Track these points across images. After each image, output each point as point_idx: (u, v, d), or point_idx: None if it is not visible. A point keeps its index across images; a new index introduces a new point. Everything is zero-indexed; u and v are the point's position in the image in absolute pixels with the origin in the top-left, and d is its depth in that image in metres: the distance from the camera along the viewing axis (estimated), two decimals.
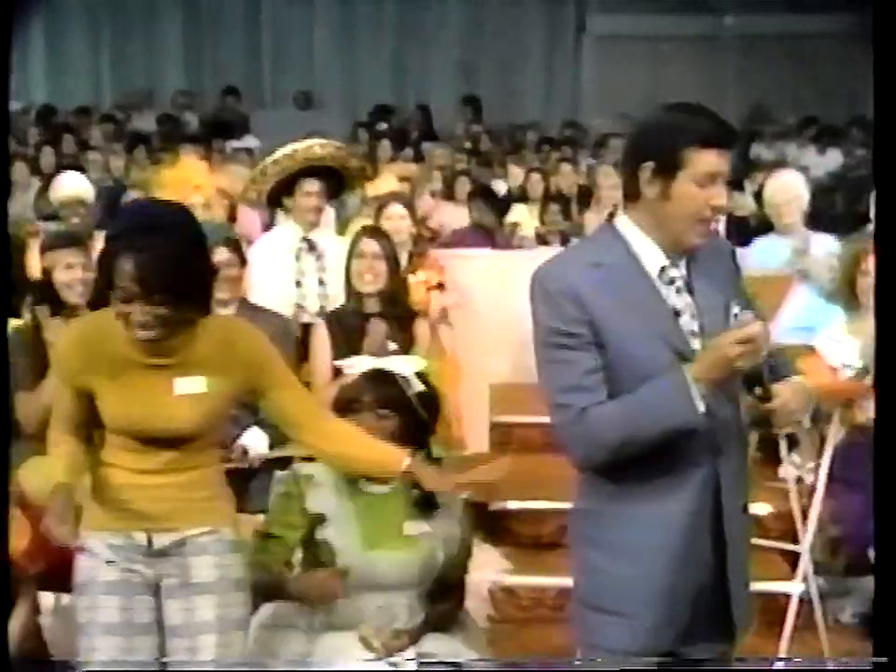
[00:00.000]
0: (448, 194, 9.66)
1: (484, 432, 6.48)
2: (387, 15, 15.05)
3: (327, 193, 5.86)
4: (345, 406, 3.51)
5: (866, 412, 4.69)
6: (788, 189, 6.59)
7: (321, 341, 4.85)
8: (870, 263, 4.93)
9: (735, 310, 2.64)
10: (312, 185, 5.71)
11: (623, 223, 2.67)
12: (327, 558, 3.36)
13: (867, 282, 4.93)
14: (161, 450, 2.95)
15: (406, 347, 4.77)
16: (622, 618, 2.66)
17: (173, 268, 2.73)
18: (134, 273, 2.71)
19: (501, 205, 9.59)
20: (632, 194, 2.64)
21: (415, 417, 3.57)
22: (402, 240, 6.06)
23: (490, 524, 5.15)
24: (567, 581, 4.72)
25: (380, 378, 3.58)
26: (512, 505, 5.51)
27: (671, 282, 2.65)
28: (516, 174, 10.44)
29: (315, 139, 6.01)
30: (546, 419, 6.08)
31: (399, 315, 4.90)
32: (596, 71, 14.28)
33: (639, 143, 2.66)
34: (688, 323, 2.65)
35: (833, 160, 11.98)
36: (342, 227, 9.07)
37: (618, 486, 2.66)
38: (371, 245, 4.82)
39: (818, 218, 7.00)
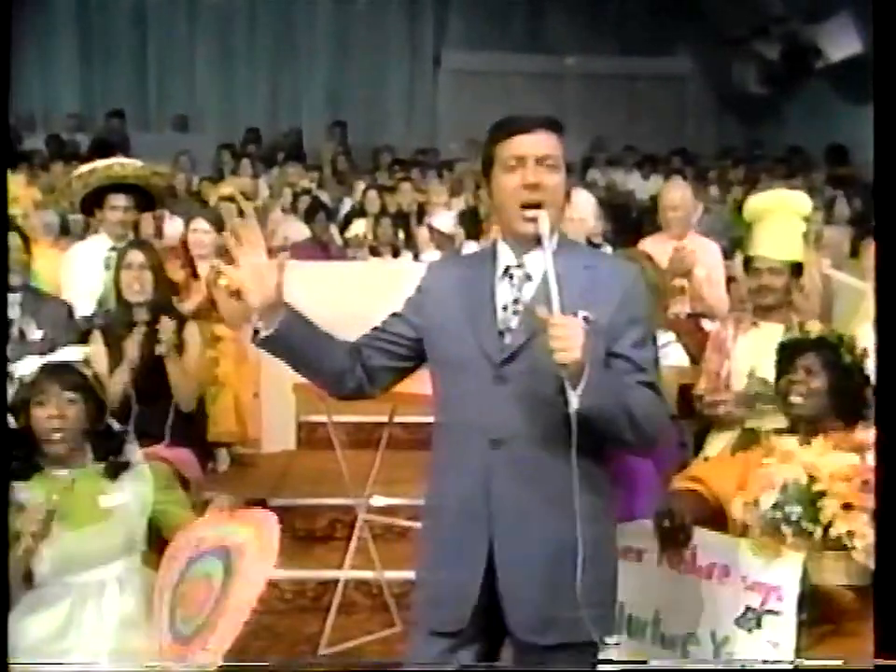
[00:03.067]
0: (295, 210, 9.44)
1: (291, 431, 6.26)
2: (262, 45, 14.81)
3: (137, 207, 5.59)
4: (33, 399, 3.29)
5: None
6: (577, 209, 6.33)
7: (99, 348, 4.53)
8: None
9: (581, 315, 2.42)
10: (118, 199, 5.53)
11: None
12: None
13: None
14: None
15: (178, 351, 4.46)
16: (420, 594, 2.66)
17: None
18: None
19: (343, 220, 9.44)
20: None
21: (96, 396, 3.40)
22: (206, 252, 5.84)
23: None
24: (329, 573, 4.53)
25: (59, 367, 3.33)
26: (287, 501, 5.31)
27: (510, 279, 2.54)
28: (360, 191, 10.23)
29: (119, 158, 5.87)
30: (354, 418, 5.87)
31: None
32: (451, 101, 14.16)
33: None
34: (507, 319, 2.51)
35: (654, 184, 11.98)
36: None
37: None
38: (137, 257, 4.56)
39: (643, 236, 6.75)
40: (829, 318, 5.56)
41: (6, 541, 3.03)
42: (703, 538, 2.99)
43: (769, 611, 2.82)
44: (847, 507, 2.88)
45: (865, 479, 2.87)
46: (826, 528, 2.89)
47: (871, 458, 2.88)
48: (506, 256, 2.56)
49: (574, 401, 2.28)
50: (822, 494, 2.92)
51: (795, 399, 3.27)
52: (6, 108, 3.35)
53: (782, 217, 4.42)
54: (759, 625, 2.83)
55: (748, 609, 2.85)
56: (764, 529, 2.98)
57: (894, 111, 2.55)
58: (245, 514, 3.19)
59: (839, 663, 2.77)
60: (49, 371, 3.36)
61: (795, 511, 2.92)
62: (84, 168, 5.57)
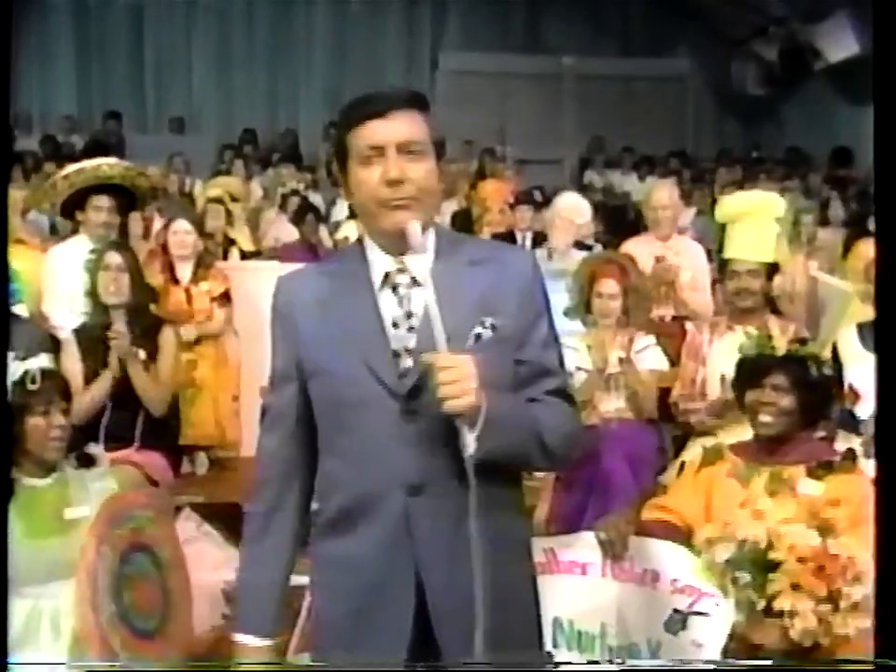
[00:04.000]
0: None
1: None
2: (260, 46, 14.75)
3: (119, 209, 5.55)
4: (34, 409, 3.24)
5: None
6: (574, 212, 6.38)
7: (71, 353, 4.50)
8: (607, 286, 4.71)
9: (479, 329, 2.08)
10: (101, 200, 5.48)
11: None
12: None
13: (604, 304, 4.69)
14: None
15: (154, 355, 4.44)
16: None
17: None
18: None
19: (334, 223, 9.42)
20: None
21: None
22: (188, 253, 5.81)
23: (241, 523, 4.82)
24: (300, 578, 4.48)
25: (51, 375, 3.34)
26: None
27: (394, 288, 2.13)
28: None
29: (106, 158, 5.80)
30: None
31: (145, 325, 4.55)
32: (448, 103, 14.11)
33: None
34: (402, 338, 2.10)
35: (651, 186, 11.95)
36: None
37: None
38: (114, 259, 4.52)
39: None
40: (815, 322, 5.54)
41: (5, 544, 3.00)
42: (639, 544, 2.97)
43: (696, 613, 2.80)
44: (795, 587, 2.76)
45: (822, 565, 2.76)
46: (770, 600, 2.78)
47: (834, 543, 2.79)
48: (380, 260, 2.14)
49: (470, 447, 1.95)
50: (776, 565, 2.81)
51: (764, 418, 3.22)
52: (6, 113, 3.30)
53: (755, 219, 4.40)
54: (684, 627, 2.81)
55: (674, 611, 2.83)
56: (714, 572, 2.93)
57: (894, 112, 2.52)
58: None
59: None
60: (50, 378, 3.35)
61: (745, 577, 2.82)
62: (71, 168, 5.53)
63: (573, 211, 6.53)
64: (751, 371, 3.34)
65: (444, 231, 2.27)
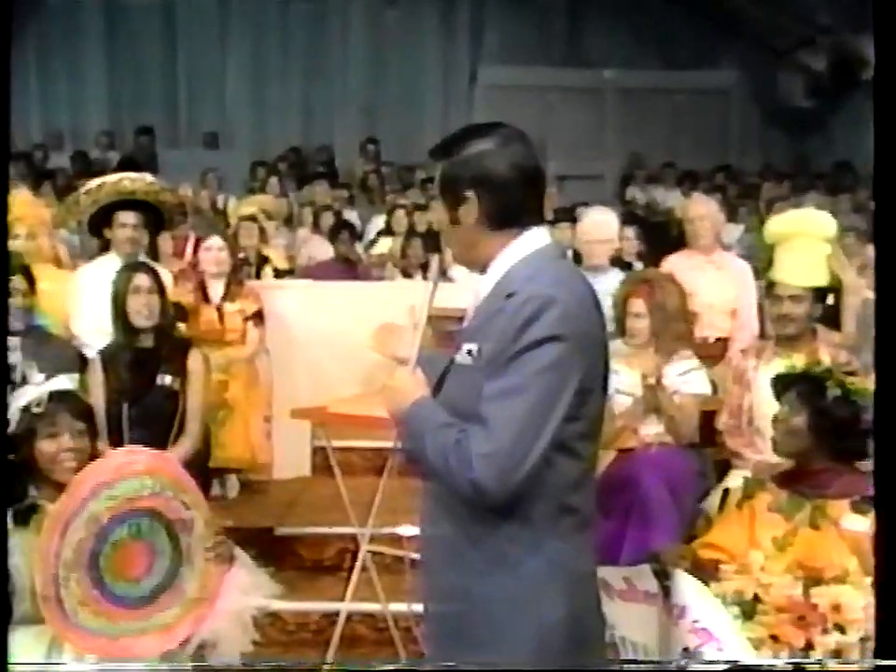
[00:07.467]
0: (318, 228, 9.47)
1: (306, 456, 6.22)
2: (295, 61, 14.84)
3: (147, 226, 5.55)
4: (42, 431, 3.25)
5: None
6: (599, 229, 6.20)
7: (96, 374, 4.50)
8: (636, 305, 4.67)
9: (468, 346, 2.28)
10: (127, 217, 5.51)
11: None
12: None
13: (632, 324, 4.65)
14: None
15: (182, 379, 4.44)
16: None
17: None
18: None
19: (370, 240, 9.43)
20: None
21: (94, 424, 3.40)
22: (221, 270, 5.83)
23: (273, 548, 4.82)
24: (332, 605, 4.45)
25: (66, 396, 3.32)
26: (293, 530, 5.31)
27: None
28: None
29: (128, 173, 5.74)
30: (368, 443, 5.80)
31: (173, 348, 4.55)
32: (487, 117, 14.06)
33: None
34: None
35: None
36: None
37: None
38: (144, 280, 4.50)
39: None
40: (869, 346, 5.44)
41: (5, 546, 3.04)
42: (679, 579, 2.95)
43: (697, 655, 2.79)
44: (774, 638, 2.80)
45: (801, 615, 2.76)
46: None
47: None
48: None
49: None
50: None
51: (776, 436, 3.18)
52: (6, 112, 3.32)
53: (804, 241, 4.32)
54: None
55: (684, 650, 2.82)
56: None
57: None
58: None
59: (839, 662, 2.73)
60: (57, 400, 3.34)
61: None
62: (93, 183, 5.54)
63: (597, 228, 6.31)
64: (777, 390, 3.31)
65: (522, 260, 2.33)
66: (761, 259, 6.91)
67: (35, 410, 3.31)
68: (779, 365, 4.03)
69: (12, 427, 3.39)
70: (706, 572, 3.03)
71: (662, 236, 10.17)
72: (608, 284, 5.59)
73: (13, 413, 3.42)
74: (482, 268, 2.38)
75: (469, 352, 2.28)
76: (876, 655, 2.33)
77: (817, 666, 2.75)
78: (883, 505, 2.44)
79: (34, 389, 3.45)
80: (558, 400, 2.18)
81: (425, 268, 8.42)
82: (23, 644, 3.13)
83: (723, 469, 4.63)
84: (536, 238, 2.34)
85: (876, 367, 2.58)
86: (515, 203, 2.33)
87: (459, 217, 2.33)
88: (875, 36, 2.55)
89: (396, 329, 2.64)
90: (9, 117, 3.32)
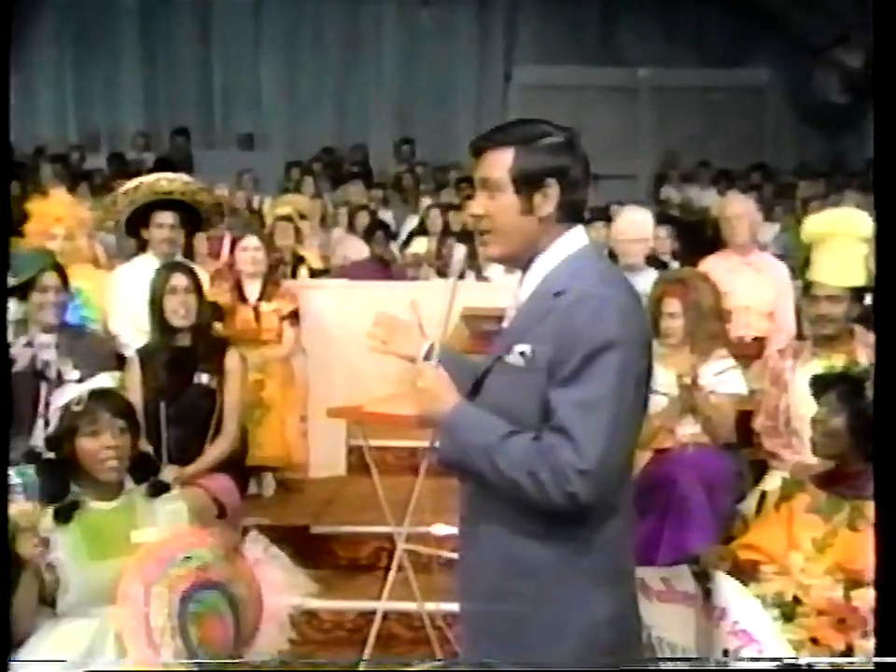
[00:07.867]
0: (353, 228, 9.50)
1: (341, 456, 6.24)
2: (329, 61, 14.89)
3: (184, 226, 5.58)
4: (83, 429, 3.31)
5: None
6: (634, 228, 6.19)
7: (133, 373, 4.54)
8: (671, 305, 4.66)
9: (521, 348, 2.25)
10: (164, 217, 5.54)
11: None
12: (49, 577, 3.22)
13: (666, 324, 4.64)
14: None
15: (219, 378, 4.47)
16: None
17: None
18: None
19: (405, 239, 9.45)
20: None
21: (136, 422, 3.48)
22: (257, 270, 5.86)
23: (309, 547, 4.84)
24: (368, 604, 4.47)
25: (107, 394, 3.38)
26: (329, 529, 5.32)
27: None
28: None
29: (165, 173, 5.78)
30: (404, 442, 5.82)
31: (210, 347, 4.59)
32: (521, 116, 14.08)
33: None
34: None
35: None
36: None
37: None
38: (182, 280, 4.55)
39: None
40: None
41: (6, 547, 3.07)
42: (720, 580, 2.94)
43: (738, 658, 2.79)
44: (814, 641, 2.79)
45: (841, 618, 2.75)
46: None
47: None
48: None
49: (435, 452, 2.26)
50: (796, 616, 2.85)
51: (815, 437, 3.17)
52: (6, 112, 3.35)
53: (840, 241, 4.29)
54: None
55: (724, 652, 2.81)
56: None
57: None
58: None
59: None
60: (97, 398, 3.39)
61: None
62: (130, 184, 5.58)
63: (632, 228, 6.30)
64: (816, 390, 3.30)
65: (569, 256, 2.32)
66: (797, 258, 6.89)
67: (76, 408, 3.37)
68: (817, 366, 4.01)
69: (53, 425, 3.45)
70: (745, 574, 3.02)
71: (697, 236, 10.14)
72: (643, 283, 5.62)
73: (54, 411, 3.49)
74: (524, 265, 2.37)
75: (523, 353, 2.24)
76: (877, 655, 2.34)
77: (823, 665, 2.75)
78: (883, 505, 2.44)
79: (74, 387, 3.51)
80: (636, 406, 2.23)
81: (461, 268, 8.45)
82: (68, 636, 3.19)
83: (760, 469, 4.62)
84: (578, 236, 2.34)
85: (877, 367, 2.57)
86: (583, 198, 2.34)
87: (534, 205, 2.30)
88: (875, 36, 2.53)
89: (398, 325, 2.61)
90: (9, 117, 3.34)
